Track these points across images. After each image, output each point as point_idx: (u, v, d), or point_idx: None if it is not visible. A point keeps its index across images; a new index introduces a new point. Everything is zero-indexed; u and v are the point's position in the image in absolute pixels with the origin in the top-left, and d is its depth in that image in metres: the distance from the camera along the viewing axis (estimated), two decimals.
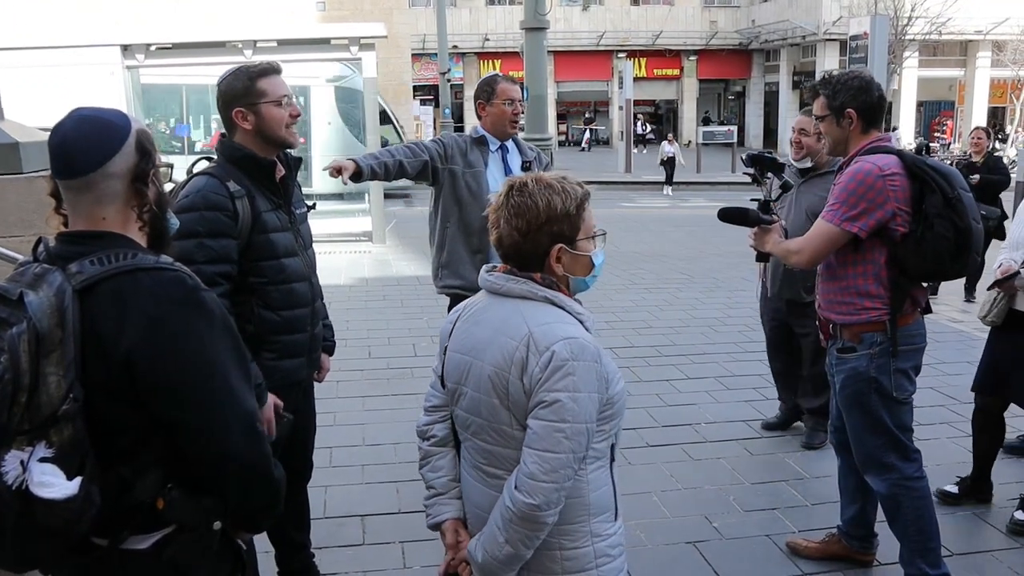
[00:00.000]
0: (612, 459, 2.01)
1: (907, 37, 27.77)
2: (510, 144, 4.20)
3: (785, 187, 3.47)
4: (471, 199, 3.98)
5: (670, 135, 23.33)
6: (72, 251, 1.61)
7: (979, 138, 8.69)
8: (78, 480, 1.52)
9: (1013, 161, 13.96)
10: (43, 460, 1.51)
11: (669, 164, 21.25)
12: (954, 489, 4.05)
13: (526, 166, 4.21)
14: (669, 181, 21.24)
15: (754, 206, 3.33)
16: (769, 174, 3.50)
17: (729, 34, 37.52)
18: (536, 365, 1.85)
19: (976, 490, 4.08)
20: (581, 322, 1.95)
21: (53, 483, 1.50)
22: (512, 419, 1.91)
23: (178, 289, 1.62)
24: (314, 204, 3.13)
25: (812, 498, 4.15)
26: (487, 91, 4.09)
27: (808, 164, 4.63)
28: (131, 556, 1.66)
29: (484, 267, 2.06)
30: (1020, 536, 3.75)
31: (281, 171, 2.87)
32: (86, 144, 1.61)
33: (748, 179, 3.97)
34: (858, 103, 3.07)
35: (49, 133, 1.66)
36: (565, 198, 1.92)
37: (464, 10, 35.75)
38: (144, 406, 1.59)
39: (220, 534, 1.75)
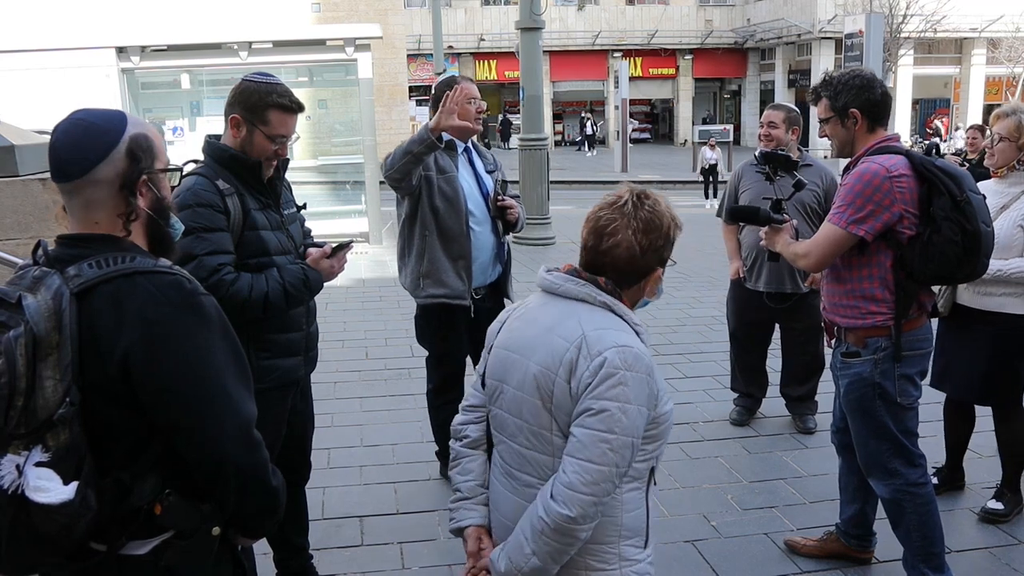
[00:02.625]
0: (650, 482, 1.94)
1: (902, 35, 27.83)
2: (469, 145, 4.15)
3: (798, 186, 3.41)
4: (447, 205, 3.91)
5: (712, 140, 19.67)
6: (70, 254, 1.60)
7: (974, 137, 8.77)
8: (74, 485, 1.51)
9: None
10: (39, 464, 1.50)
11: (711, 172, 18.47)
12: (935, 480, 4.06)
13: (491, 171, 4.17)
14: (715, 192, 18.10)
15: (766, 205, 3.28)
16: (781, 172, 3.43)
17: (724, 33, 37.54)
18: (586, 369, 1.78)
19: (950, 479, 4.14)
20: (637, 333, 1.89)
21: (49, 488, 1.49)
22: (553, 423, 1.85)
23: (176, 293, 1.61)
24: (304, 204, 3.13)
25: (810, 496, 4.15)
26: (448, 93, 3.99)
27: None
28: (129, 562, 1.65)
29: (543, 267, 2.01)
30: (992, 523, 3.83)
31: (269, 171, 2.87)
32: (73, 149, 1.60)
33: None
34: (861, 102, 3.00)
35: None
36: (674, 224, 1.93)
37: (459, 10, 35.72)
38: (142, 410, 1.59)
39: (219, 540, 1.73)
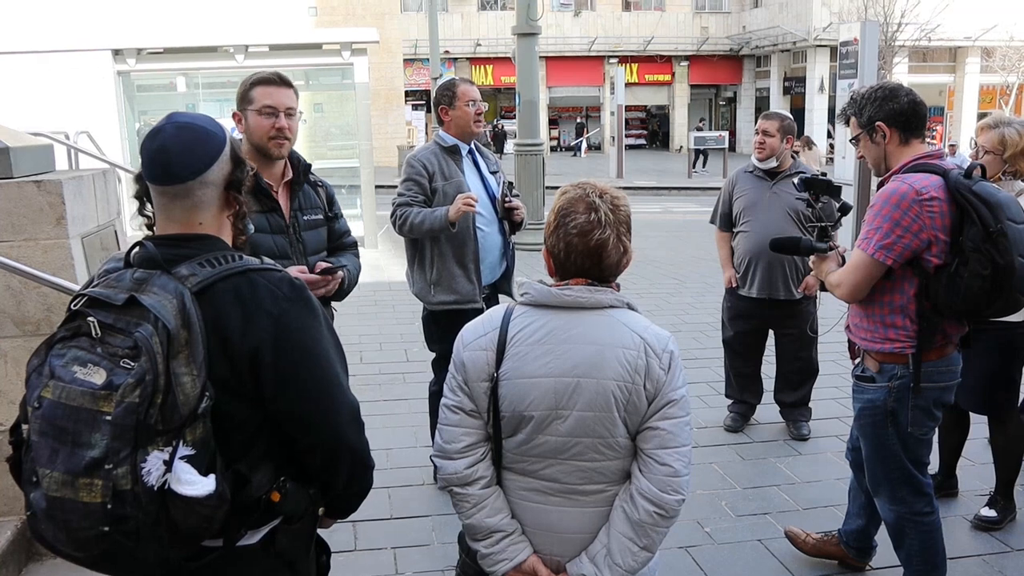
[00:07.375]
0: None
1: (897, 43, 27.90)
2: (472, 147, 4.19)
3: (844, 209, 3.30)
4: None
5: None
6: (174, 254, 1.63)
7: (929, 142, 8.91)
8: (213, 476, 1.56)
9: None
10: (183, 459, 1.53)
11: None
12: None
13: (494, 172, 4.21)
14: None
15: (814, 234, 3.17)
16: (825, 197, 3.27)
17: (720, 40, 37.65)
18: (659, 368, 1.89)
19: (944, 486, 4.13)
20: None
21: (194, 480, 1.52)
22: (625, 429, 1.91)
23: (289, 288, 1.69)
24: (336, 214, 3.18)
25: (803, 503, 4.16)
26: (448, 95, 4.03)
27: (773, 164, 4.76)
28: (242, 553, 1.70)
29: (529, 283, 1.99)
30: (984, 531, 3.84)
31: (281, 152, 2.90)
32: (187, 152, 1.65)
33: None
34: (886, 113, 2.85)
35: (145, 137, 1.69)
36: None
37: (456, 15, 35.76)
38: (261, 402, 1.64)
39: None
